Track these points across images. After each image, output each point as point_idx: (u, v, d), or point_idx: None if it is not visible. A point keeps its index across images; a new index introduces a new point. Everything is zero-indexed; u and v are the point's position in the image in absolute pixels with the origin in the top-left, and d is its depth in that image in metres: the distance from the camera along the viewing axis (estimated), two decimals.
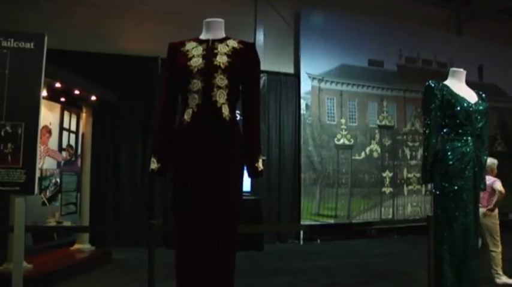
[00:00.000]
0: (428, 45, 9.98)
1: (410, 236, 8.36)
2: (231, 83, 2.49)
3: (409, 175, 9.25)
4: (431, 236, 3.63)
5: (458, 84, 3.75)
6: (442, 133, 3.66)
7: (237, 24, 7.81)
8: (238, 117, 2.65)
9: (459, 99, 3.59)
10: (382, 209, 8.98)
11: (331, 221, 8.42)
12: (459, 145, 3.54)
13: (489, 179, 5.11)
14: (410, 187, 9.32)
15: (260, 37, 8.53)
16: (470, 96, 3.71)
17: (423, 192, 9.14)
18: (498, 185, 5.22)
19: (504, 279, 4.97)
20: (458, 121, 3.56)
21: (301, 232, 8.23)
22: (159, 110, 2.72)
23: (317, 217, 8.31)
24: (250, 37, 8.30)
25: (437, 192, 3.62)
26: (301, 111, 8.41)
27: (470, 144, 3.55)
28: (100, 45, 7.47)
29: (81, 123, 6.41)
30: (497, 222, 5.24)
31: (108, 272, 5.54)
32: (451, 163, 3.51)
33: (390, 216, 9.06)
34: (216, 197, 2.39)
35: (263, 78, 8.19)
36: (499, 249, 5.11)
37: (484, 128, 3.68)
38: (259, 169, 2.63)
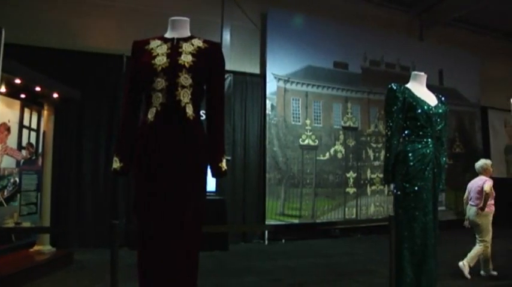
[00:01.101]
0: (392, 49, 10.20)
1: (373, 235, 8.51)
2: (196, 83, 2.47)
3: (373, 176, 9.41)
4: (392, 236, 3.69)
5: (419, 88, 3.85)
6: (403, 135, 3.74)
7: (203, 24, 7.78)
8: (203, 117, 2.64)
9: (420, 102, 3.69)
10: (346, 209, 9.10)
11: (296, 221, 8.47)
12: (419, 146, 3.63)
13: (481, 180, 5.59)
14: (373, 187, 9.48)
15: (227, 37, 8.51)
16: (431, 99, 3.81)
17: (386, 192, 9.30)
18: (486, 185, 5.47)
19: (466, 271, 5.29)
20: (419, 123, 3.65)
21: (266, 232, 8.25)
22: (122, 109, 2.67)
23: (282, 217, 8.35)
24: (217, 37, 8.28)
25: (399, 192, 3.70)
26: (267, 112, 8.43)
27: (430, 146, 3.64)
28: (63, 41, 7.28)
29: (42, 121, 6.23)
30: (489, 221, 5.49)
31: (69, 274, 5.40)
32: (411, 164, 3.59)
33: (354, 216, 9.19)
34: (179, 197, 2.38)
35: (229, 79, 8.19)
36: (486, 246, 5.42)
37: (443, 130, 3.79)
38: (223, 169, 2.62)
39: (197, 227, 2.49)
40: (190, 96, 2.45)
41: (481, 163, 5.90)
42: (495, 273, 5.36)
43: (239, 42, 8.69)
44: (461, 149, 11.15)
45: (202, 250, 2.50)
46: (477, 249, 5.48)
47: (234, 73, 8.36)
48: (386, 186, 9.03)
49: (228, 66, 8.24)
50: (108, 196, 7.31)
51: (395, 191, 3.76)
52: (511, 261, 4.35)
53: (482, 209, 5.40)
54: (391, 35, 10.55)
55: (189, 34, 2.69)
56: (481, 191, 5.48)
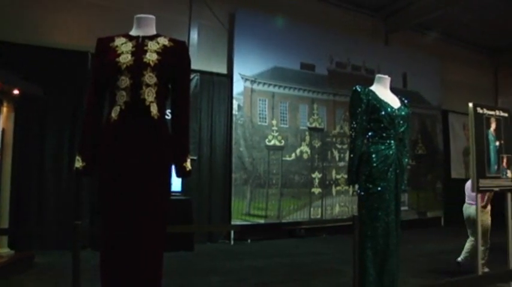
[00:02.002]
0: (358, 52, 10.36)
1: (338, 235, 8.59)
2: (160, 81, 2.46)
3: (338, 176, 9.52)
4: (356, 235, 3.76)
5: (383, 90, 3.92)
6: (367, 136, 3.80)
7: (171, 22, 7.73)
8: (168, 116, 2.63)
9: (383, 104, 3.75)
10: (312, 209, 9.18)
11: (262, 221, 8.50)
12: (383, 147, 3.70)
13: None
14: (338, 188, 9.60)
15: (194, 36, 8.46)
16: (394, 101, 3.88)
17: (351, 193, 9.39)
18: None
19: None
20: (382, 125, 3.72)
21: (232, 232, 8.24)
22: (86, 107, 2.63)
23: (247, 217, 8.36)
24: (185, 36, 8.22)
25: (362, 193, 3.76)
26: (233, 112, 8.42)
27: (393, 147, 3.71)
28: (26, 35, 7.01)
29: (1, 118, 6.03)
30: (489, 219, 5.55)
31: (29, 277, 5.19)
32: (375, 165, 3.66)
33: (319, 216, 9.28)
34: (143, 197, 2.35)
35: (196, 78, 8.14)
36: (477, 241, 5.27)
37: (405, 132, 3.88)
38: (188, 169, 2.61)
39: (161, 227, 2.47)
40: (155, 95, 2.44)
41: None
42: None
43: (207, 41, 8.66)
44: (424, 150, 11.43)
45: (168, 250, 2.48)
46: (468, 244, 5.73)
47: (201, 73, 8.31)
48: (350, 186, 9.17)
49: (195, 66, 8.24)
50: (72, 195, 7.14)
51: (359, 191, 3.83)
52: (470, 258, 4.50)
53: (485, 207, 5.50)
54: (358, 38, 10.71)
55: (154, 32, 2.67)
56: None
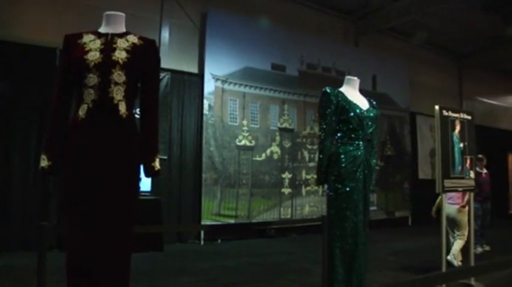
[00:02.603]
0: (328, 53, 10.46)
1: (308, 235, 8.66)
2: (129, 80, 2.43)
3: (308, 177, 9.57)
4: (325, 235, 3.80)
5: (352, 92, 3.97)
6: (336, 137, 3.83)
7: (142, 21, 7.62)
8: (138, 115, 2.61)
9: (352, 106, 3.80)
10: (281, 209, 9.22)
11: (232, 221, 8.49)
12: (351, 148, 3.74)
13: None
14: (308, 188, 9.67)
15: (165, 35, 8.38)
16: (363, 103, 3.93)
17: (320, 193, 9.46)
18: None
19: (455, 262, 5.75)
20: (351, 126, 3.76)
21: (202, 232, 8.19)
22: (52, 105, 2.57)
23: (218, 217, 8.33)
24: (156, 34, 8.12)
25: (331, 193, 3.80)
26: (204, 112, 8.38)
27: (362, 148, 3.76)
28: None
29: None
30: (466, 217, 5.78)
31: None
32: (343, 165, 3.69)
33: (289, 216, 9.32)
34: (110, 197, 2.32)
35: (166, 77, 8.07)
36: (465, 239, 5.81)
37: (374, 133, 3.94)
38: (156, 169, 2.59)
39: (129, 227, 2.44)
40: (123, 94, 2.41)
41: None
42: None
43: (178, 40, 8.59)
44: (392, 151, 11.63)
45: (137, 251, 2.46)
46: (459, 243, 5.89)
47: (172, 72, 8.23)
48: (320, 187, 9.25)
49: (166, 65, 8.19)
50: (38, 195, 6.97)
51: (327, 191, 3.87)
52: (435, 256, 4.62)
53: (464, 206, 5.80)
54: (328, 40, 10.84)
55: (124, 30, 2.64)
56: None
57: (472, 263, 4.74)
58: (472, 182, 5.00)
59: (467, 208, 5.81)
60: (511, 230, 6.52)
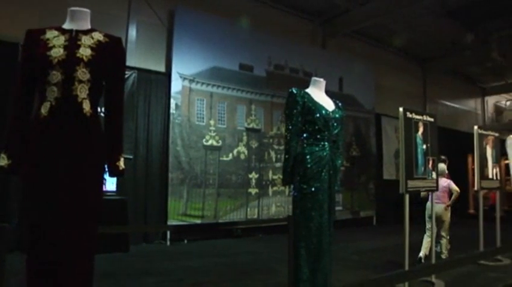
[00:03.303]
0: (296, 54, 10.54)
1: (274, 235, 8.67)
2: (94, 78, 2.39)
3: (274, 177, 9.60)
4: (290, 235, 3.82)
5: (318, 93, 4.01)
6: (302, 138, 3.86)
7: (108, 17, 7.51)
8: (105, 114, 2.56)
9: (318, 107, 3.83)
10: (248, 209, 9.23)
11: (198, 221, 8.43)
12: (317, 149, 3.77)
13: (445, 181, 6.33)
14: (275, 188, 9.70)
15: (132, 33, 8.26)
16: (328, 104, 3.97)
17: (287, 193, 9.50)
18: (454, 186, 6.37)
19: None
20: (317, 127, 3.79)
21: (168, 233, 8.12)
22: (13, 102, 2.50)
23: (184, 217, 8.26)
24: (123, 32, 8.00)
25: (296, 193, 3.82)
26: (171, 111, 8.30)
27: (327, 149, 3.80)
28: None
29: None
30: (449, 216, 6.37)
31: None
32: (309, 165, 3.72)
33: (256, 216, 9.34)
34: (73, 197, 2.27)
35: (133, 75, 7.96)
36: (448, 237, 6.37)
37: (339, 134, 3.98)
38: (121, 168, 2.56)
39: (93, 228, 2.39)
40: (87, 92, 2.36)
41: (443, 167, 6.52)
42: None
43: (145, 38, 8.48)
44: (358, 152, 11.81)
45: (102, 251, 2.42)
46: (444, 240, 6.39)
47: (139, 70, 8.12)
48: (287, 187, 9.30)
49: (132, 63, 8.06)
50: None
51: (293, 192, 3.89)
52: (399, 255, 4.71)
53: (449, 205, 6.24)
54: (296, 42, 10.92)
55: (89, 26, 2.58)
56: (446, 190, 6.35)
57: (433, 260, 4.86)
58: (434, 183, 5.12)
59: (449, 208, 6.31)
60: (470, 229, 6.75)
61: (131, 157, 7.70)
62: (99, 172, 2.47)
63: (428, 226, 6.33)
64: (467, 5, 11.22)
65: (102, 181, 2.52)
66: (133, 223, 7.58)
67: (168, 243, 8.05)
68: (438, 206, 6.25)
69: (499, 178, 6.89)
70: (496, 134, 6.80)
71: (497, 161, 6.78)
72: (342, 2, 10.75)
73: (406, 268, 4.47)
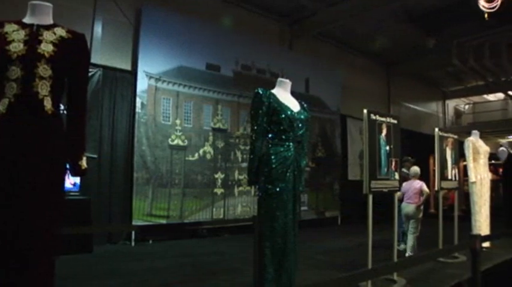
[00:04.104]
0: (263, 55, 10.57)
1: (240, 235, 8.70)
2: (56, 74, 2.33)
3: (240, 177, 9.61)
4: (256, 235, 3.84)
5: (284, 94, 4.03)
6: (267, 138, 3.87)
7: (73, 13, 7.36)
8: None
9: (284, 108, 3.85)
10: (214, 209, 9.19)
11: (164, 221, 8.36)
12: (282, 149, 3.80)
13: (418, 183, 6.82)
14: (240, 188, 9.71)
15: (98, 30, 8.10)
16: (294, 105, 4.00)
17: (252, 193, 9.50)
18: (425, 187, 6.89)
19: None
20: (282, 128, 3.81)
21: (133, 233, 8.00)
22: None
23: (149, 218, 8.17)
24: (88, 28, 7.84)
25: (261, 193, 3.84)
26: (136, 110, 8.19)
27: (292, 149, 3.83)
28: None
29: None
30: (421, 214, 6.82)
31: None
32: (274, 166, 3.74)
33: (221, 216, 9.32)
34: (33, 197, 2.21)
35: (98, 73, 7.82)
36: (417, 234, 6.80)
37: (304, 135, 4.01)
38: (83, 168, 2.51)
39: (55, 228, 2.34)
40: (49, 89, 2.30)
41: (416, 170, 7.06)
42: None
43: (111, 36, 8.33)
44: (323, 153, 11.94)
45: (64, 253, 2.37)
46: (413, 238, 6.80)
47: (104, 68, 7.97)
48: (253, 187, 9.32)
49: (97, 61, 7.92)
50: None
51: (258, 192, 3.91)
52: (362, 253, 4.81)
53: (421, 205, 6.78)
54: (264, 42, 10.97)
55: (51, 21, 2.52)
56: (418, 191, 6.83)
57: (395, 259, 4.98)
58: (397, 183, 5.23)
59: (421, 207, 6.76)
60: (430, 228, 6.97)
61: (95, 156, 7.57)
62: (60, 171, 2.41)
63: (406, 224, 6.95)
64: (430, 11, 11.58)
65: (63, 181, 2.46)
66: (97, 223, 7.43)
67: (133, 243, 7.95)
68: (410, 206, 6.78)
69: (457, 178, 7.10)
70: (455, 137, 7.01)
71: (456, 163, 6.98)
72: (309, 4, 10.88)
73: (369, 266, 4.56)
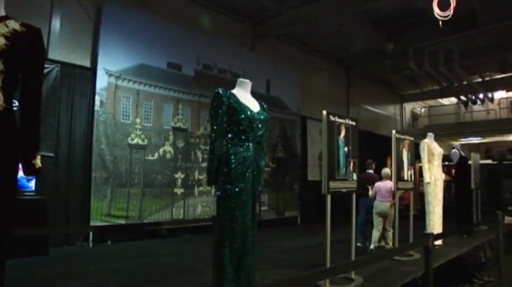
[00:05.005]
0: (225, 55, 10.59)
1: (200, 235, 8.68)
2: (8, 69, 2.25)
3: (201, 177, 9.57)
4: (215, 235, 3.84)
5: (244, 94, 4.04)
6: (226, 138, 3.87)
7: (29, 6, 7.17)
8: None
9: (243, 108, 3.86)
10: (174, 209, 9.13)
11: (123, 221, 8.24)
12: (241, 149, 3.80)
13: (389, 183, 7.16)
14: (201, 188, 9.68)
15: (56, 24, 7.89)
16: (254, 105, 4.01)
17: (213, 193, 9.47)
18: None
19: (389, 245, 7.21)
20: (241, 128, 3.81)
21: (91, 234, 7.85)
22: None
23: (108, 218, 8.04)
24: (45, 22, 7.63)
25: (221, 193, 3.83)
26: (95, 108, 8.05)
27: (251, 149, 3.84)
28: None
29: None
30: (393, 212, 7.02)
31: None
32: (233, 166, 3.74)
33: (181, 216, 9.27)
34: None
35: (56, 69, 7.63)
36: (391, 230, 7.11)
37: (263, 135, 4.03)
38: (37, 167, 2.44)
39: (5, 230, 2.27)
40: (0, 84, 2.24)
41: (388, 171, 7.41)
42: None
43: (70, 31, 8.14)
44: (283, 153, 12.05)
45: (18, 255, 2.31)
46: (390, 232, 7.26)
47: (62, 64, 7.78)
48: (213, 187, 9.31)
49: (55, 56, 7.72)
50: None
51: (218, 192, 3.91)
52: (320, 252, 4.88)
53: (394, 203, 6.99)
54: (226, 42, 10.97)
55: (3, 14, 2.42)
56: (390, 190, 7.23)
57: (353, 258, 5.08)
58: (355, 184, 5.32)
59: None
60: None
61: (52, 154, 7.39)
62: (12, 170, 2.33)
63: (376, 221, 7.42)
64: (390, 17, 11.90)
65: (15, 180, 2.39)
66: (53, 224, 7.25)
67: (91, 245, 7.80)
68: (384, 204, 7.28)
69: (413, 179, 7.32)
70: (412, 139, 7.21)
71: (412, 164, 7.19)
72: (272, 5, 10.96)
73: (328, 265, 4.63)
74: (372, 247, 7.31)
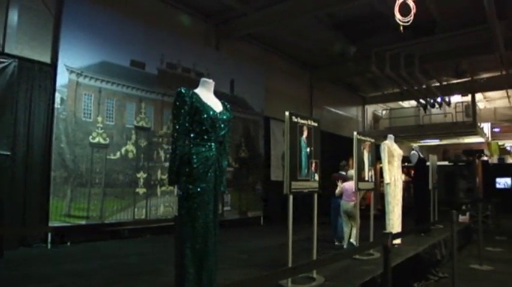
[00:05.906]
0: (189, 54, 10.55)
1: (163, 235, 8.60)
2: None
3: (163, 177, 9.46)
4: (177, 235, 3.83)
5: (206, 94, 4.05)
6: (189, 138, 3.86)
7: None
8: None
9: (206, 108, 3.88)
10: (136, 209, 9.02)
11: (83, 222, 8.07)
12: (204, 149, 3.82)
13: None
14: (163, 188, 9.60)
15: (13, 17, 7.61)
16: (216, 105, 4.03)
17: (175, 193, 9.42)
18: None
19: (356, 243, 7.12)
20: (204, 128, 3.83)
21: (49, 235, 7.65)
22: None
23: (67, 218, 7.85)
24: (1, 15, 7.40)
25: (183, 193, 3.83)
26: (55, 105, 7.86)
27: (214, 149, 3.87)
28: None
29: None
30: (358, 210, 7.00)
31: None
32: (195, 166, 3.75)
33: (143, 216, 9.18)
34: None
35: (13, 64, 7.39)
36: (356, 227, 7.02)
37: (226, 135, 4.06)
38: None
39: None
40: None
41: (353, 172, 7.29)
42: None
43: (29, 25, 7.90)
44: (246, 153, 12.09)
45: None
46: (354, 230, 7.33)
47: (20, 59, 7.54)
48: (176, 187, 9.23)
49: (12, 51, 7.55)
50: None
51: (179, 192, 3.90)
52: (283, 252, 4.93)
53: (356, 203, 7.15)
54: (190, 41, 10.93)
55: None
56: (355, 191, 7.19)
57: (314, 257, 5.15)
58: (316, 184, 5.40)
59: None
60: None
61: (8, 153, 7.18)
62: None
63: (344, 219, 7.68)
64: (353, 20, 12.13)
65: None
66: (9, 225, 7.03)
67: (49, 246, 7.61)
68: (349, 204, 7.61)
69: (374, 180, 7.48)
70: (373, 140, 7.37)
71: (372, 165, 7.35)
72: (237, 5, 10.99)
73: (290, 265, 4.69)
74: (344, 244, 7.61)
